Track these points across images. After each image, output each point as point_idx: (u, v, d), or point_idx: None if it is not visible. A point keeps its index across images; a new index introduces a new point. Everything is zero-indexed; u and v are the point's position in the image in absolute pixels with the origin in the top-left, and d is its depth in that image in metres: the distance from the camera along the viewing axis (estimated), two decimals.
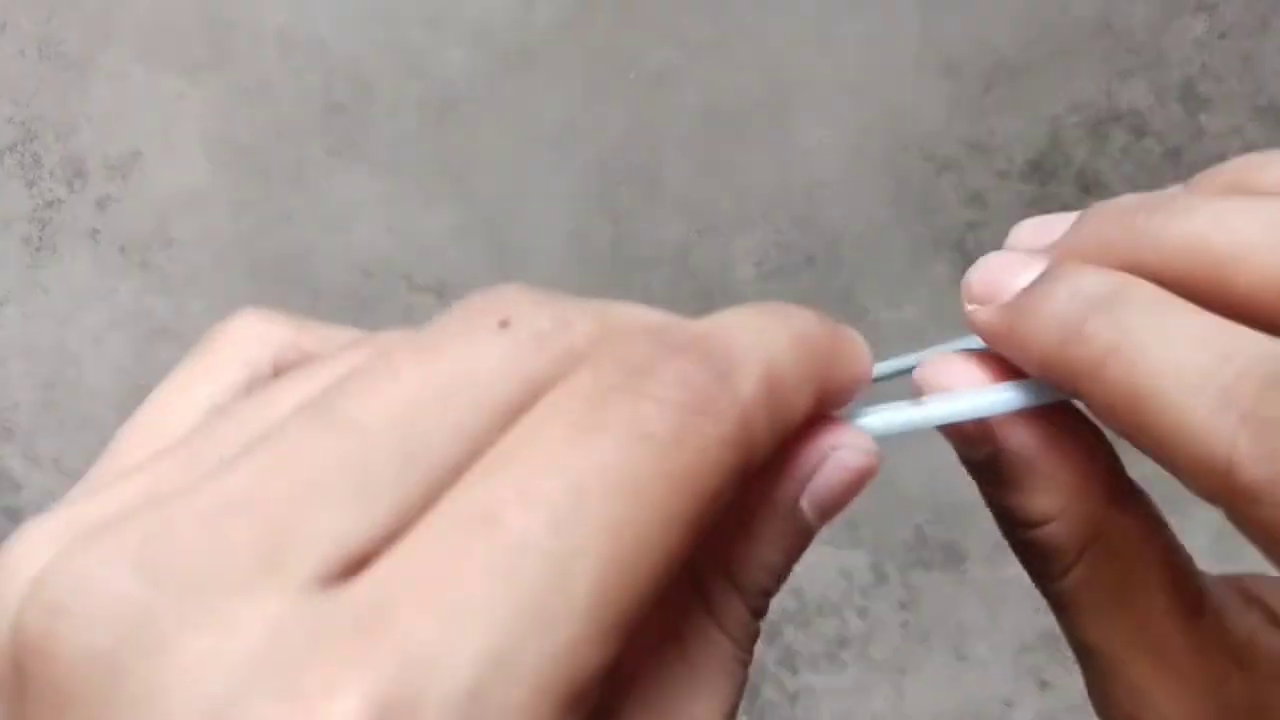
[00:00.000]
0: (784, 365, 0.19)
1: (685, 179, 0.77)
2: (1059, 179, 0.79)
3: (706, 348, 0.18)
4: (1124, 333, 0.20)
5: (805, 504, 0.21)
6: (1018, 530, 0.23)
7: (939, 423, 0.22)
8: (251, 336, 0.22)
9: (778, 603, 0.70)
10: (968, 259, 0.85)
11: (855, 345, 0.21)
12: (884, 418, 0.22)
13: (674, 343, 0.18)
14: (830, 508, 0.21)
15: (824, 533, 0.24)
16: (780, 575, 0.22)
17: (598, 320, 0.19)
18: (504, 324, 0.18)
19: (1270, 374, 0.19)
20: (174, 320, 0.72)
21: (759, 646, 0.68)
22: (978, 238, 0.78)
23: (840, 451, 0.21)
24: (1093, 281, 0.21)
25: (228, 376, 0.21)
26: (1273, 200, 0.21)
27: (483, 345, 0.17)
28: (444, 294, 0.74)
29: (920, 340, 0.25)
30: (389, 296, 0.73)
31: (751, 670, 0.68)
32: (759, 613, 0.22)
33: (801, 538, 0.21)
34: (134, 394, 0.72)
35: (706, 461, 0.17)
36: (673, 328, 0.18)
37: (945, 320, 0.75)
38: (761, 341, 0.18)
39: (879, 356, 0.24)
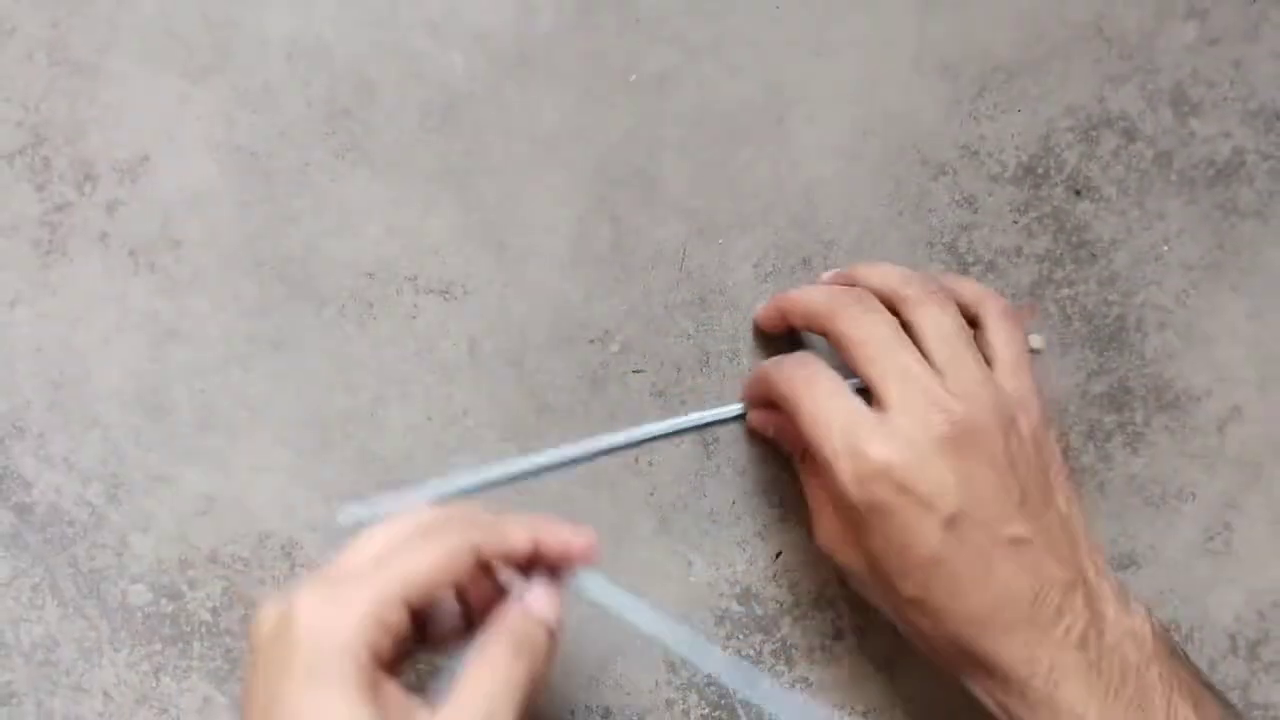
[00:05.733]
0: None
1: (684, 181, 0.77)
2: (1050, 182, 0.80)
3: None
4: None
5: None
6: None
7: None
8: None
9: (774, 596, 0.71)
10: (961, 261, 0.86)
11: (514, 528, 0.50)
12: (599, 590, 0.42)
13: None
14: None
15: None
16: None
17: None
18: None
19: None
20: (181, 321, 0.72)
21: (756, 638, 0.71)
22: (970, 240, 0.79)
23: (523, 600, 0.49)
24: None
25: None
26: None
27: None
28: (448, 295, 0.74)
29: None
30: (393, 298, 0.74)
31: (749, 662, 0.70)
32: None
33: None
34: (142, 394, 0.73)
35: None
36: None
37: None
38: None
39: None
